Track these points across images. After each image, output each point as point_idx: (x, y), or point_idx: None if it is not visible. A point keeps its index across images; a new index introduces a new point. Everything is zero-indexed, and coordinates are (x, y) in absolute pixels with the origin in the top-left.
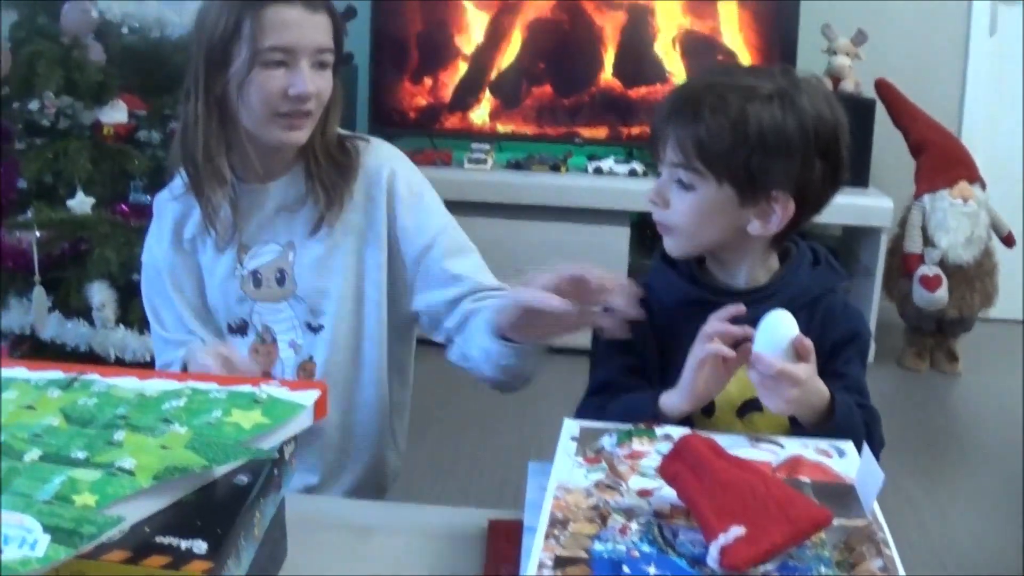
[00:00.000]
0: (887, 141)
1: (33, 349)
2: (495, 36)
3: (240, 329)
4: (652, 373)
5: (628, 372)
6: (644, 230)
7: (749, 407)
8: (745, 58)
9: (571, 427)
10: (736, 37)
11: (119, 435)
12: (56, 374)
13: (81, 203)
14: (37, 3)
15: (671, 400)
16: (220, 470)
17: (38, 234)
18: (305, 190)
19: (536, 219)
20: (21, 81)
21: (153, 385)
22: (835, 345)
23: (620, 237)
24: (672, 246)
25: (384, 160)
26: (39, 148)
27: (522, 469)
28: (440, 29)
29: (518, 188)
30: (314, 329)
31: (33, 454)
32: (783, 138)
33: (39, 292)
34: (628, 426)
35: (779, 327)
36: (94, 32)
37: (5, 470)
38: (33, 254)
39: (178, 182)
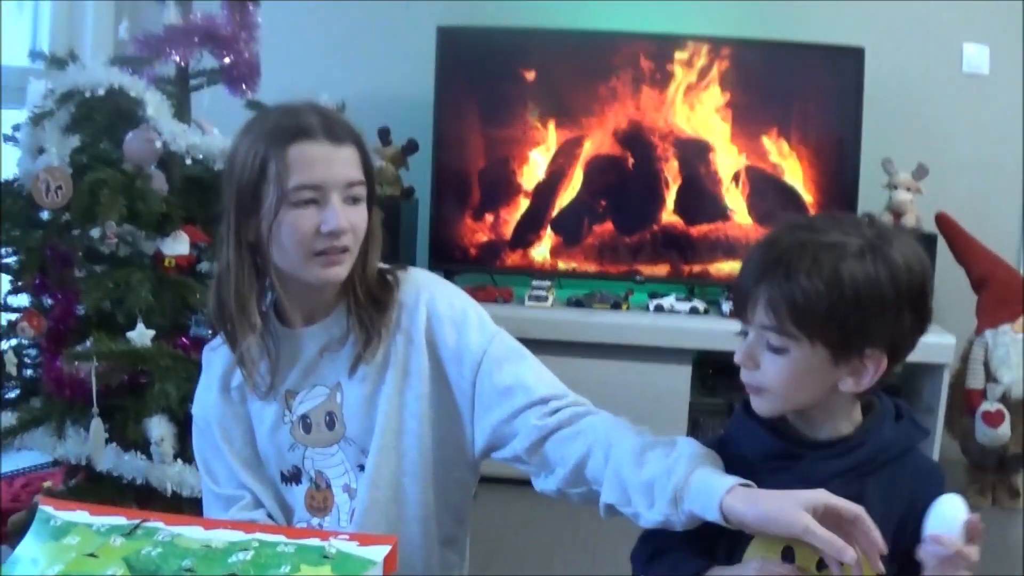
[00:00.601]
0: (948, 276)
1: (88, 480)
2: (557, 173)
3: (293, 477)
4: (733, 537)
5: (686, 541)
6: (706, 369)
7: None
8: (807, 194)
9: None
10: (797, 173)
11: None
12: (119, 520)
13: (141, 335)
14: (99, 129)
15: None
16: None
17: (97, 364)
18: (347, 328)
19: (597, 357)
20: (83, 208)
21: (219, 535)
22: (927, 506)
23: (681, 376)
24: (763, 407)
25: (421, 287)
26: (99, 276)
27: None
28: (502, 165)
29: (579, 326)
30: (363, 469)
31: None
32: (877, 295)
33: (97, 423)
34: None
35: (953, 509)
36: (157, 161)
37: None
38: (92, 385)
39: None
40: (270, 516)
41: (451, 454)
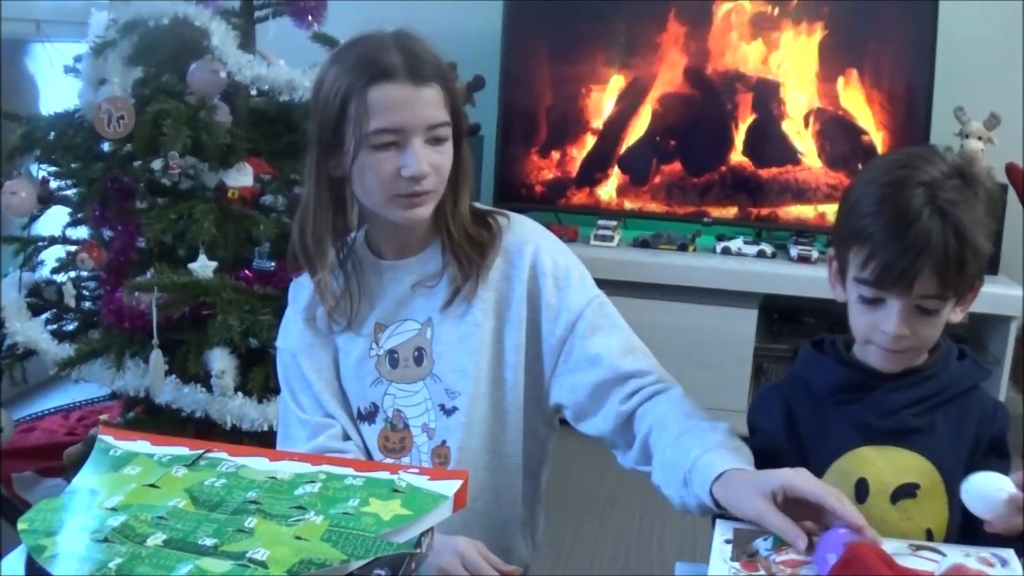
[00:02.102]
0: (1017, 227)
1: (146, 412)
2: (625, 111)
3: (369, 416)
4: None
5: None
6: (771, 313)
7: (903, 493)
8: (877, 140)
9: (724, 529)
10: (868, 118)
11: (250, 522)
12: (181, 450)
13: (203, 267)
14: (162, 60)
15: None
16: (357, 564)
17: (158, 296)
18: (442, 265)
19: (662, 299)
20: (146, 140)
21: (285, 467)
22: (992, 441)
23: (747, 320)
24: (902, 363)
25: (527, 237)
26: (162, 209)
27: (645, 558)
28: (570, 102)
29: (645, 267)
30: (448, 411)
31: (157, 538)
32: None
33: (157, 355)
34: None
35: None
36: (221, 93)
37: (127, 556)
38: (153, 316)
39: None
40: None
41: (534, 407)
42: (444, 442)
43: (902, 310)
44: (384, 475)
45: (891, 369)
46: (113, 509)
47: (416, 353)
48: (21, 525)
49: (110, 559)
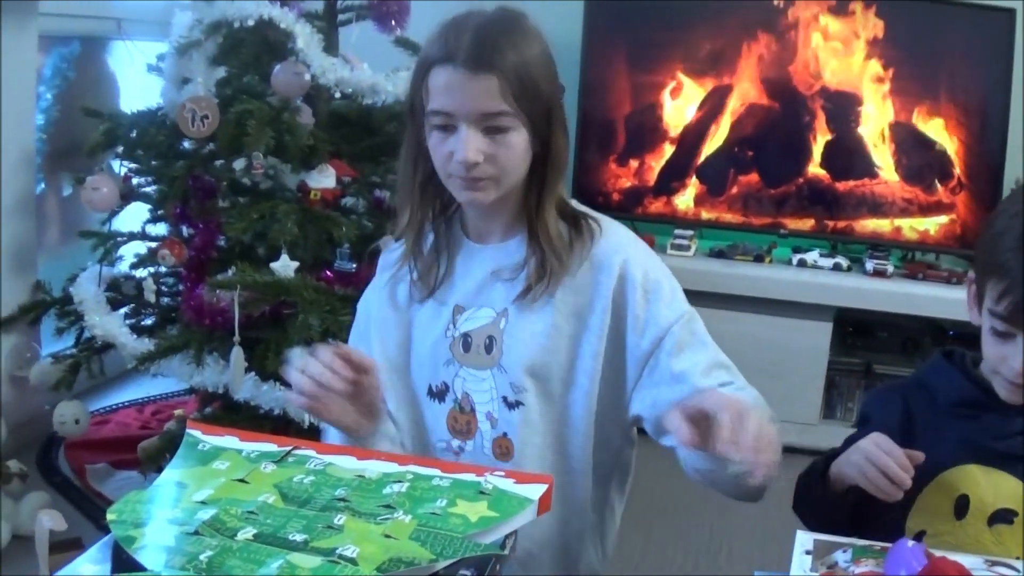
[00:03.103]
0: None
1: (223, 409)
2: (704, 121)
3: (440, 394)
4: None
5: None
6: (845, 327)
7: (1000, 517)
8: (953, 154)
9: (804, 540)
10: (945, 133)
11: (339, 519)
12: (269, 446)
13: (285, 266)
14: (246, 61)
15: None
16: (444, 563)
17: (240, 294)
18: (524, 257)
19: (736, 309)
20: (228, 139)
21: (372, 467)
22: None
23: (822, 333)
24: (1020, 397)
25: (619, 246)
26: (244, 208)
27: (714, 569)
28: (649, 111)
29: (720, 277)
30: (510, 405)
31: (247, 533)
32: None
33: (238, 352)
34: (863, 542)
35: None
36: (304, 95)
37: (218, 549)
38: (234, 313)
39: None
40: (394, 428)
41: (610, 415)
42: (505, 434)
43: None
44: (471, 477)
45: (1015, 402)
46: (203, 503)
47: (487, 341)
48: (110, 516)
49: (201, 551)
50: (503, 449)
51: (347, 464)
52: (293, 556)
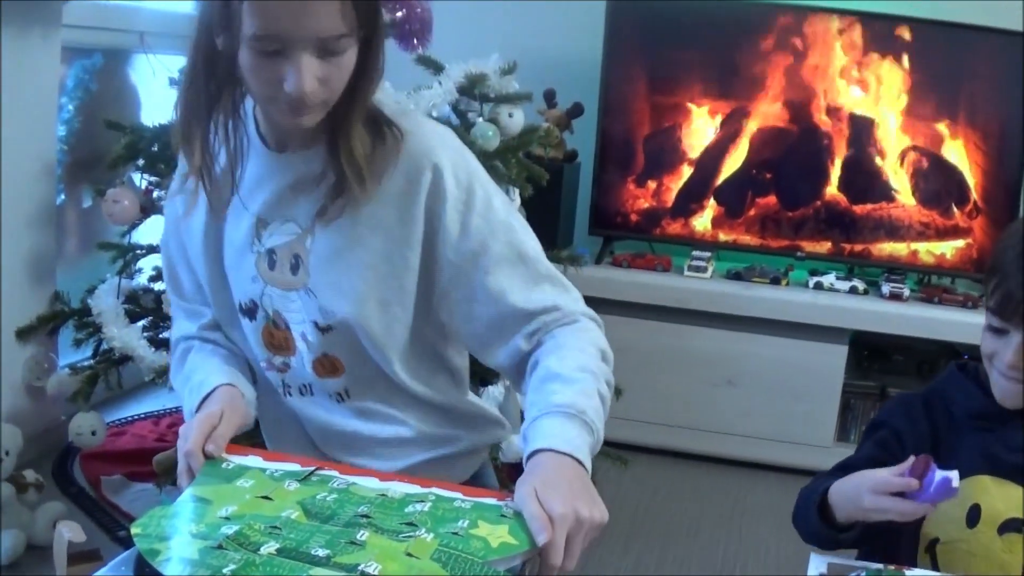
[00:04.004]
0: None
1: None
2: (722, 143)
3: (249, 312)
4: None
5: (870, 462)
6: (861, 350)
7: (1010, 526)
8: (971, 178)
9: (818, 563)
10: (962, 156)
11: (362, 535)
12: (293, 466)
13: None
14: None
15: (840, 500)
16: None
17: None
18: (323, 169)
19: (752, 331)
20: None
21: (395, 487)
22: None
23: (837, 355)
24: (1014, 396)
25: (430, 149)
26: None
27: None
28: (668, 132)
29: (737, 299)
30: (322, 329)
31: (271, 547)
32: None
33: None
34: (876, 565)
35: None
36: None
37: (241, 563)
38: None
39: None
40: (229, 343)
41: (426, 320)
42: (326, 353)
43: (1020, 341)
44: (491, 501)
45: (1010, 404)
46: (227, 518)
47: (293, 260)
48: (134, 530)
49: (224, 565)
50: (330, 367)
51: (370, 484)
52: (315, 571)
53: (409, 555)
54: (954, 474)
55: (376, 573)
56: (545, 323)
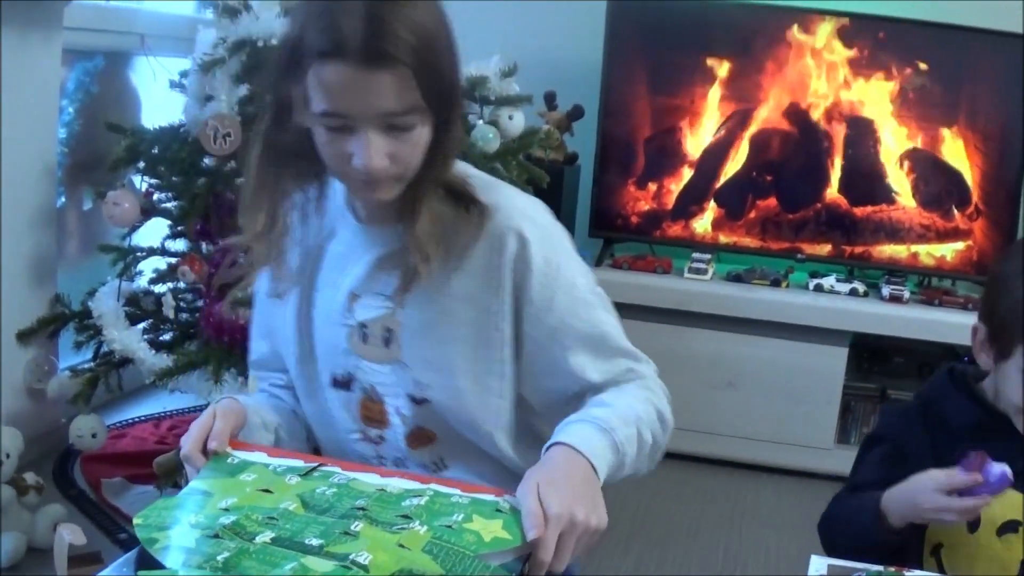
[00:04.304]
0: None
1: None
2: (722, 145)
3: (345, 384)
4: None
5: (885, 483)
6: (861, 352)
7: (1008, 528)
8: (971, 180)
9: (819, 564)
10: (962, 159)
11: (356, 526)
12: (296, 462)
13: None
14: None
15: (895, 506)
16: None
17: None
18: (403, 245)
19: (753, 333)
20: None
21: (395, 483)
22: None
23: (837, 358)
24: None
25: (518, 224)
26: None
27: None
28: (668, 135)
29: (737, 301)
30: (417, 401)
31: (265, 536)
32: None
33: None
34: (877, 567)
35: None
36: None
37: (235, 551)
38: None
39: None
40: (295, 414)
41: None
42: (420, 427)
43: None
44: (489, 496)
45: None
46: (226, 509)
47: (385, 334)
48: (136, 520)
49: (218, 552)
50: (423, 439)
51: (370, 480)
52: (307, 559)
53: (400, 546)
54: (1005, 466)
55: (366, 563)
56: (617, 382)
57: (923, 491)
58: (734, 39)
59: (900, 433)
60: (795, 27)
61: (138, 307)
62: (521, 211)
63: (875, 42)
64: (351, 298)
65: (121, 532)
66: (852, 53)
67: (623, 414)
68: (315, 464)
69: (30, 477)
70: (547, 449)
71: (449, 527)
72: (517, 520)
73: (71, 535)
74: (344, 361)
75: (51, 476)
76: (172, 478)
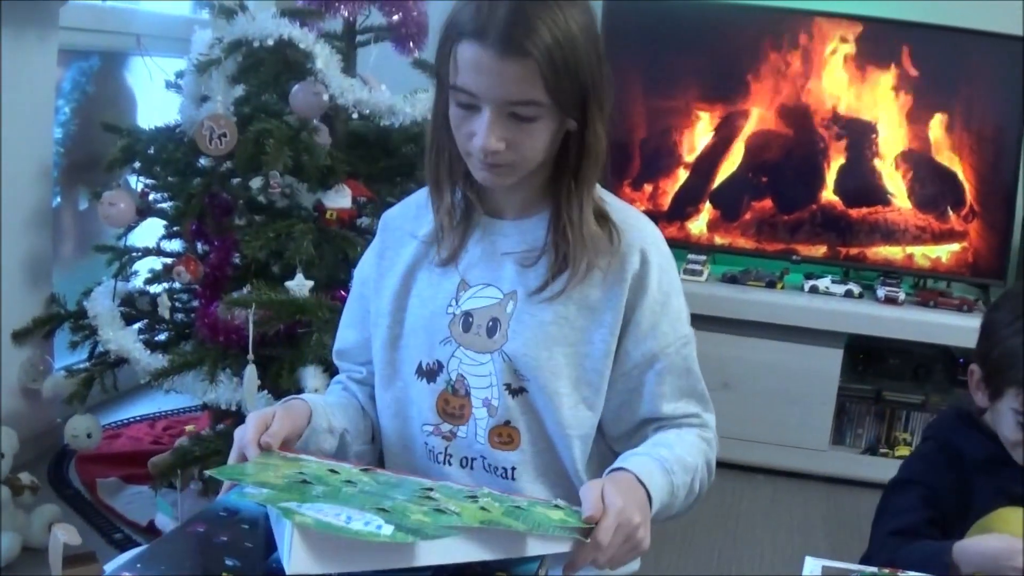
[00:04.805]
0: None
1: (236, 425)
2: (718, 146)
3: (430, 373)
4: (952, 527)
5: (929, 524)
6: (856, 354)
7: None
8: (966, 182)
9: (813, 566)
10: (957, 162)
11: (435, 494)
12: (347, 465)
13: (300, 285)
14: (264, 80)
15: (967, 558)
16: (537, 535)
17: (255, 312)
18: (544, 244)
19: (748, 335)
20: (247, 157)
21: (447, 484)
22: None
23: (832, 359)
24: None
25: (644, 246)
26: (260, 226)
27: None
28: (664, 136)
29: (732, 302)
30: (513, 392)
31: (352, 489)
32: None
33: (251, 370)
34: (871, 569)
35: None
36: (322, 115)
37: (330, 490)
38: (249, 331)
39: (410, 200)
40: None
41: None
42: (508, 422)
43: None
44: (544, 498)
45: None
46: (300, 472)
47: (491, 323)
48: (210, 472)
49: (312, 490)
50: (505, 437)
51: (422, 482)
52: (399, 504)
53: (483, 509)
54: None
55: (457, 510)
56: (680, 424)
57: (1010, 555)
58: (729, 41)
59: (927, 475)
60: (791, 29)
61: (133, 307)
62: (649, 235)
63: (871, 44)
64: (460, 287)
65: (116, 532)
66: (849, 54)
67: (684, 461)
68: (365, 466)
69: (25, 477)
70: (609, 472)
71: (518, 507)
72: (575, 515)
73: (66, 535)
74: (438, 349)
75: (46, 476)
76: (167, 478)
